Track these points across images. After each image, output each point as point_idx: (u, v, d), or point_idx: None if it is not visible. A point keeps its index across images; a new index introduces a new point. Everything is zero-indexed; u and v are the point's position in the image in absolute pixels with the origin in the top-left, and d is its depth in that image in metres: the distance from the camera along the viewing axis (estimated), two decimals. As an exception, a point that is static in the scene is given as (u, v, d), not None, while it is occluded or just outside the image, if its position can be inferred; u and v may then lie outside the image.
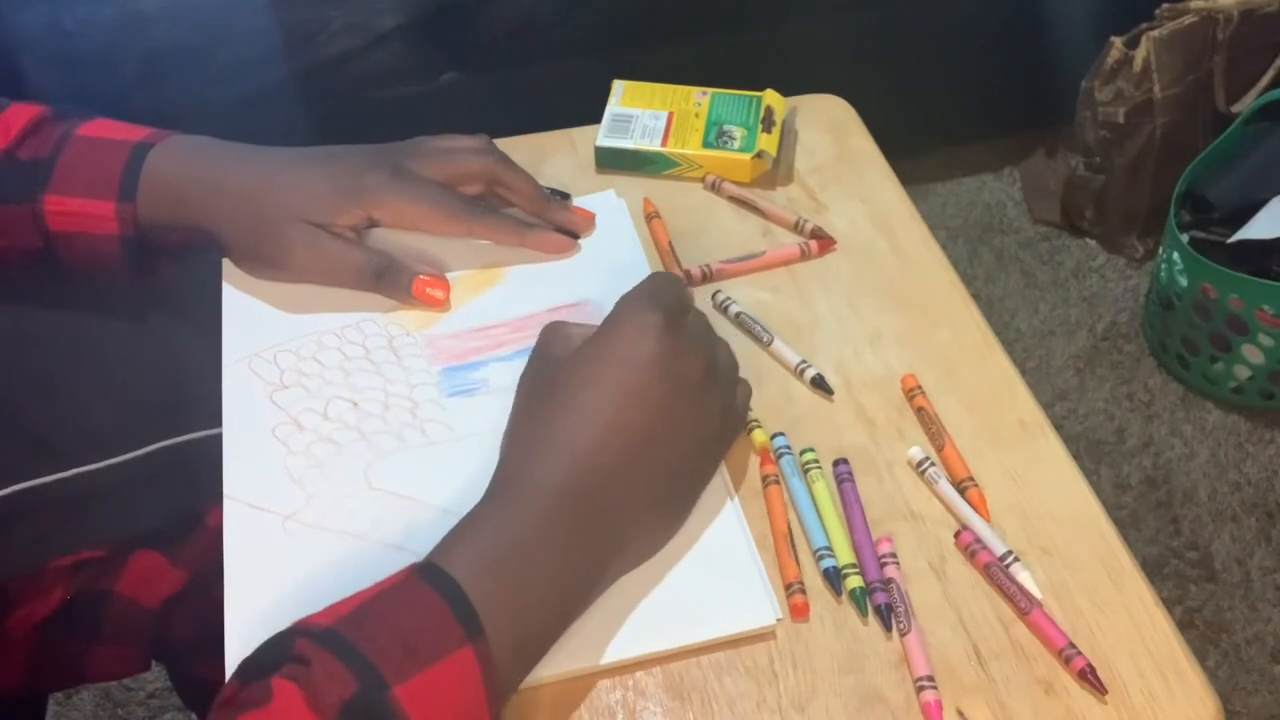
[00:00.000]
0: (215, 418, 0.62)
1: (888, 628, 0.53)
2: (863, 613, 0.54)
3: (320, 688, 0.42)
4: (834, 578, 0.55)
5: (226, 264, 0.69)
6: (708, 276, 0.70)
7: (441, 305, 0.67)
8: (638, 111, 0.79)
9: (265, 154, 0.67)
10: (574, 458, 0.50)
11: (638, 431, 0.51)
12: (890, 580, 0.54)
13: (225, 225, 0.66)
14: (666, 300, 0.53)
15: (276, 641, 0.44)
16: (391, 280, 0.66)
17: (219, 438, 0.61)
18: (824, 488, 0.58)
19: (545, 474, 0.50)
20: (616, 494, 0.51)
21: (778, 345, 0.65)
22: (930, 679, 0.51)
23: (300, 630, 0.44)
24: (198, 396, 0.65)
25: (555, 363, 0.54)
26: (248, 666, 0.44)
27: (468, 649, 0.44)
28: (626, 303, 0.54)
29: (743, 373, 0.64)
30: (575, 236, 0.71)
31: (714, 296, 0.69)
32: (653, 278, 0.55)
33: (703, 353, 0.54)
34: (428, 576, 0.46)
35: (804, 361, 0.64)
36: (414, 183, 0.67)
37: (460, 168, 0.68)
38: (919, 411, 0.62)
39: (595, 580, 0.51)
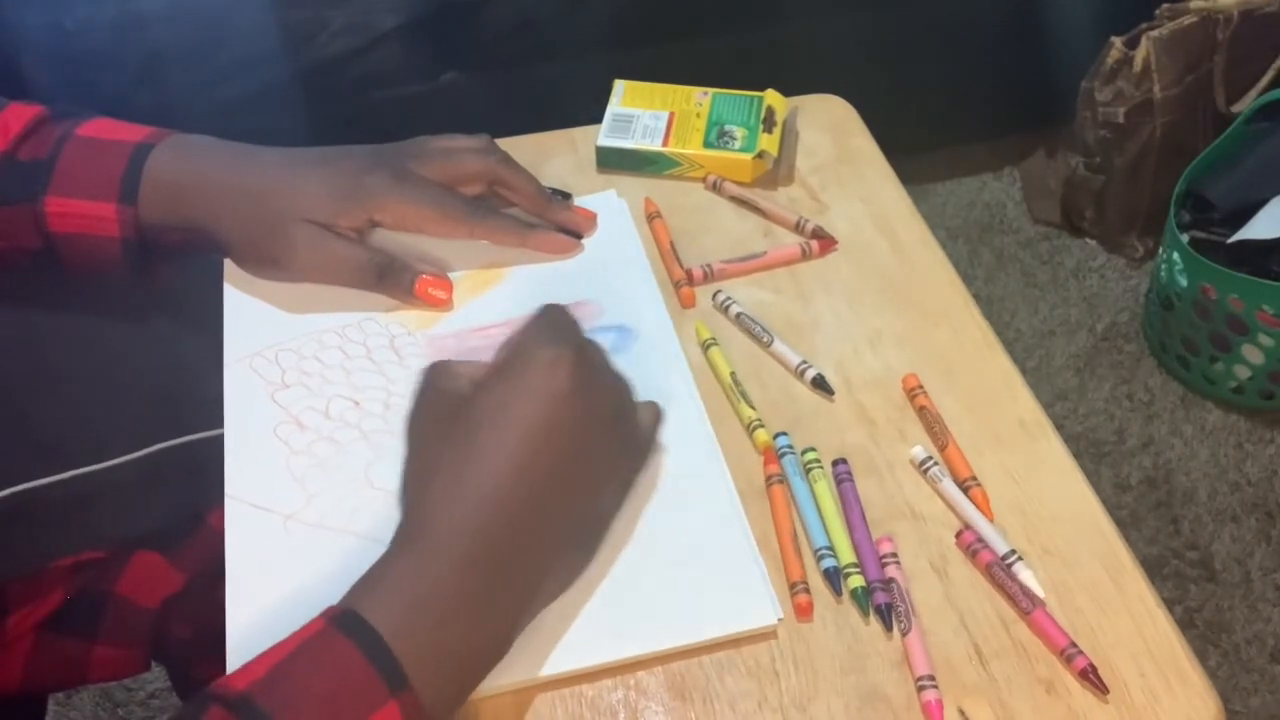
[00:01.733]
0: (216, 419, 0.62)
1: (888, 627, 0.53)
2: (864, 612, 0.54)
3: None
4: (834, 577, 0.55)
5: (228, 264, 0.69)
6: (709, 276, 0.70)
7: (444, 305, 0.67)
8: (639, 111, 0.79)
9: (267, 154, 0.67)
10: (485, 501, 0.48)
11: (553, 471, 0.49)
12: (891, 580, 0.54)
13: (227, 226, 0.65)
14: (570, 334, 0.52)
15: (191, 711, 0.43)
16: (394, 280, 0.66)
17: (219, 439, 0.61)
18: (826, 487, 0.59)
19: (457, 520, 0.48)
20: (531, 535, 0.49)
21: (778, 345, 0.65)
22: (931, 678, 0.51)
23: (215, 696, 0.43)
24: (198, 397, 0.65)
25: (453, 402, 0.51)
26: None
27: (392, 705, 0.43)
28: (529, 337, 0.51)
29: (743, 373, 0.64)
30: (578, 236, 0.71)
31: (715, 296, 0.69)
32: (549, 310, 0.53)
33: (611, 382, 0.53)
34: (347, 628, 0.45)
35: (804, 362, 0.64)
36: (415, 184, 0.66)
37: (462, 168, 0.68)
38: (921, 411, 0.62)
39: (514, 621, 0.50)
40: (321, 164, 0.66)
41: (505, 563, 0.48)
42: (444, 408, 0.51)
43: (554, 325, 0.52)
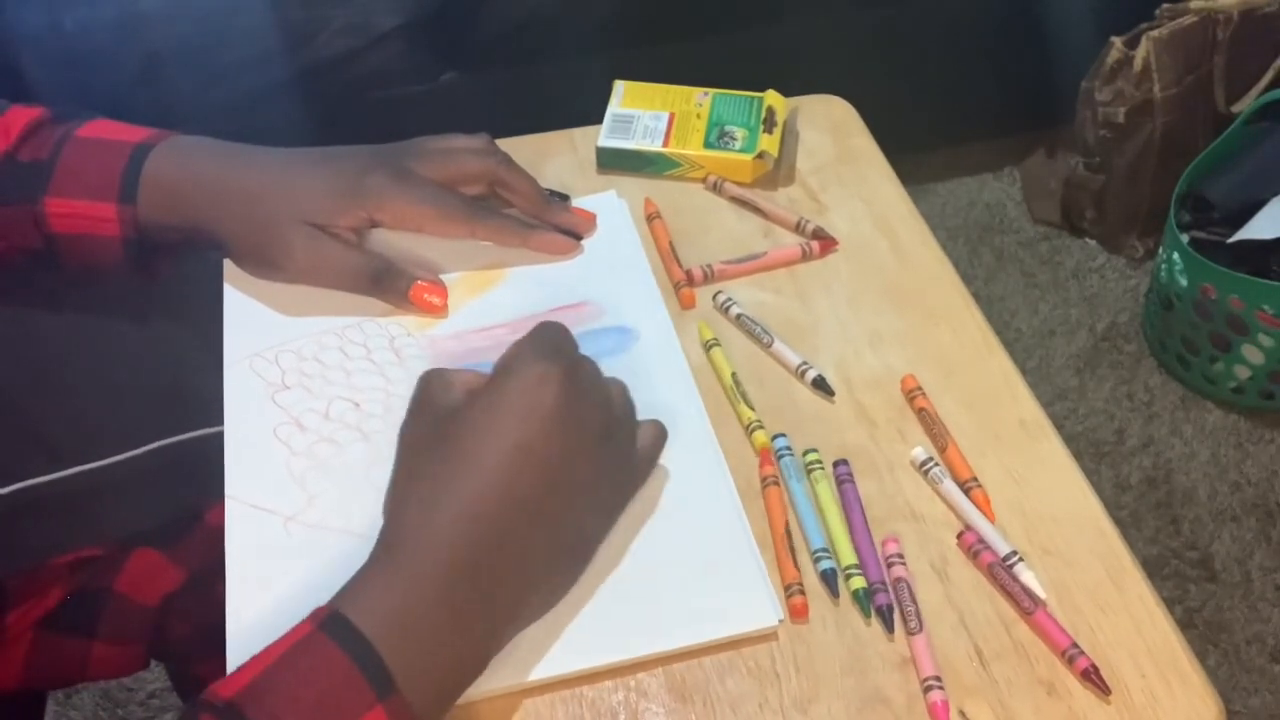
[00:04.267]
0: (214, 416, 0.62)
1: (889, 629, 0.53)
2: (865, 614, 0.54)
3: None
4: (830, 579, 0.55)
5: (228, 264, 0.69)
6: (709, 277, 0.70)
7: (439, 311, 0.67)
8: (639, 112, 0.79)
9: (266, 154, 0.66)
10: (467, 519, 0.47)
11: (535, 489, 0.48)
12: (899, 579, 0.54)
13: (226, 226, 0.65)
14: (562, 349, 0.51)
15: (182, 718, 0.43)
16: (389, 285, 0.66)
17: (218, 436, 0.61)
18: (827, 488, 0.58)
19: (438, 538, 0.47)
20: (513, 555, 0.48)
21: (778, 346, 0.65)
22: (937, 679, 0.51)
23: (205, 704, 0.43)
24: (196, 395, 0.65)
25: (444, 413, 0.50)
26: None
27: (379, 709, 0.43)
28: (520, 352, 0.50)
29: (744, 374, 0.64)
30: (577, 237, 0.71)
31: (715, 297, 0.69)
32: (544, 326, 0.53)
33: (601, 402, 0.52)
34: (333, 632, 0.45)
35: (805, 362, 0.64)
36: (415, 184, 0.66)
37: (461, 168, 0.68)
38: (920, 412, 0.62)
39: (494, 635, 0.49)
40: (320, 164, 0.66)
41: (483, 578, 0.48)
42: (434, 417, 0.51)
43: (547, 341, 0.51)
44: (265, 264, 0.67)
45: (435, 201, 0.66)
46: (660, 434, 0.57)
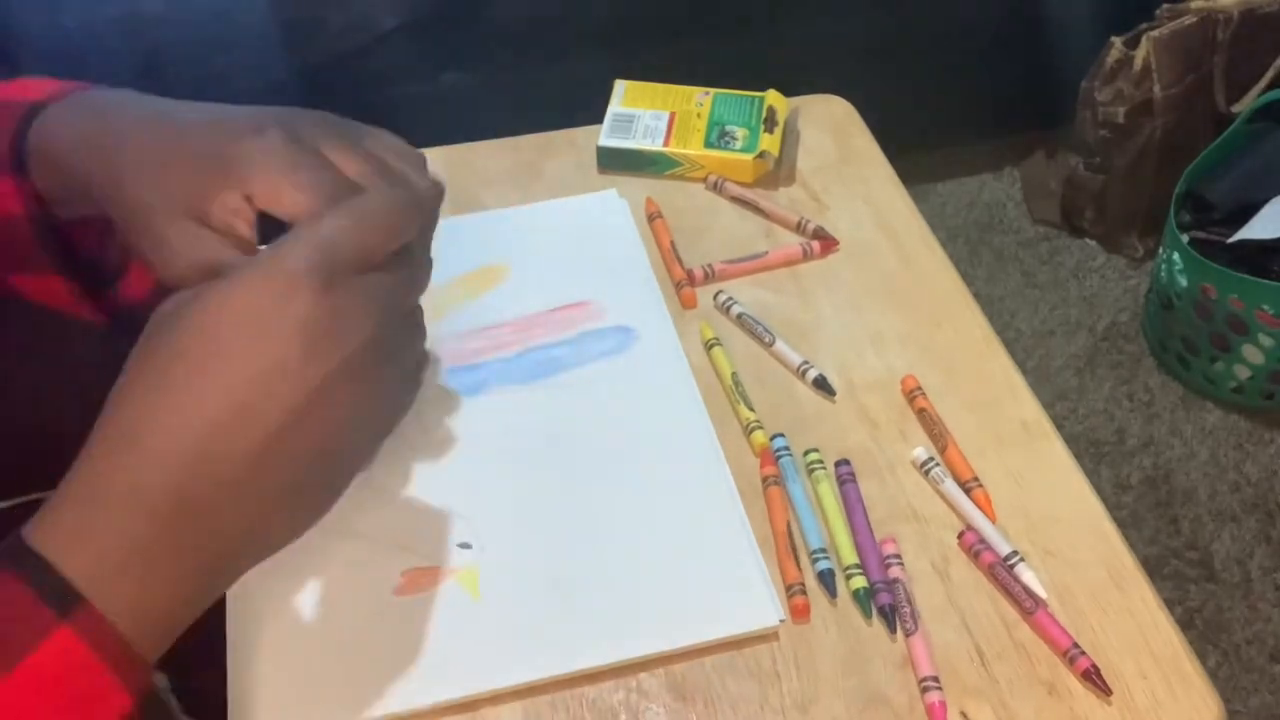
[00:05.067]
0: None
1: (891, 629, 0.53)
2: (866, 614, 0.54)
3: None
4: (829, 580, 0.55)
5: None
6: (710, 277, 0.70)
7: None
8: (639, 112, 0.79)
9: (166, 116, 0.51)
10: (185, 456, 0.39)
11: (272, 419, 0.40)
12: (895, 580, 0.54)
13: (112, 213, 0.51)
14: (336, 250, 0.41)
15: None
16: None
17: None
18: (829, 488, 0.58)
19: (149, 475, 0.39)
20: (246, 491, 0.41)
21: (780, 346, 0.65)
22: (935, 679, 0.51)
23: None
24: None
25: (180, 316, 0.41)
26: None
27: (65, 630, 0.37)
28: (280, 245, 0.41)
29: (745, 374, 0.64)
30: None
31: (716, 297, 0.69)
32: (349, 206, 0.43)
33: (370, 321, 0.42)
34: (9, 557, 0.38)
35: (806, 362, 0.64)
36: (293, 152, 0.47)
37: (370, 169, 0.48)
38: (921, 412, 0.62)
39: (219, 572, 0.42)
40: (199, 130, 0.50)
41: (207, 526, 0.40)
42: (173, 318, 0.41)
43: (322, 234, 0.42)
44: (154, 269, 0.50)
45: (310, 174, 0.46)
46: (423, 353, 0.47)
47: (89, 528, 0.39)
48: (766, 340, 0.66)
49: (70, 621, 0.37)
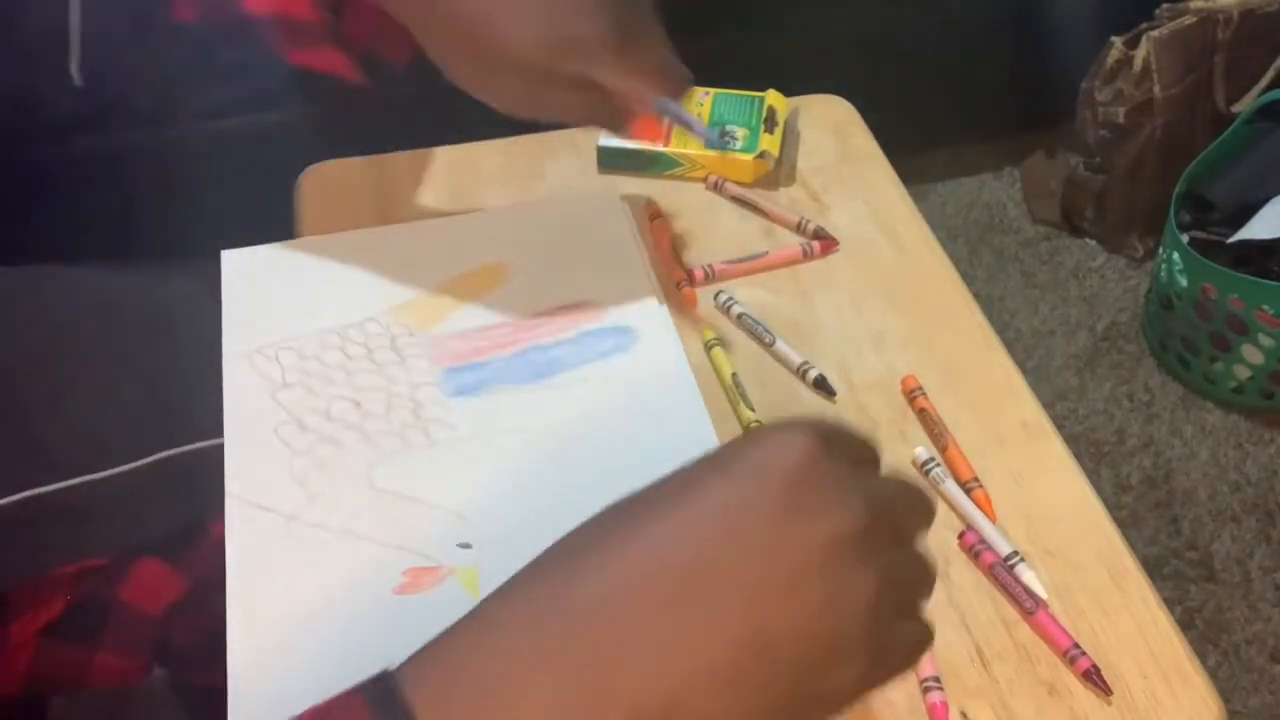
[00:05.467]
0: (219, 427, 0.62)
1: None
2: (866, 614, 0.54)
3: None
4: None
5: (226, 258, 0.69)
6: (710, 277, 0.70)
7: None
8: (640, 112, 0.79)
9: None
10: (613, 570, 0.34)
11: (727, 567, 0.34)
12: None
13: (435, 50, 0.58)
14: (829, 430, 0.37)
15: None
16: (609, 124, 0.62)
17: (222, 447, 0.61)
18: (827, 489, 0.58)
19: (566, 589, 0.35)
20: (654, 663, 0.33)
21: (780, 346, 0.65)
22: (936, 679, 0.51)
23: None
24: (201, 406, 0.65)
25: (651, 485, 0.38)
26: None
27: None
28: (771, 424, 0.39)
29: (745, 374, 0.64)
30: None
31: (716, 297, 0.69)
32: (825, 420, 0.39)
33: (869, 511, 0.36)
34: (372, 690, 0.34)
35: (806, 362, 0.64)
36: (644, 42, 0.58)
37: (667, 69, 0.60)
38: (921, 413, 0.62)
39: None
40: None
41: (609, 653, 0.34)
42: (641, 490, 0.38)
43: (815, 420, 0.38)
44: (480, 95, 0.59)
45: (664, 67, 0.59)
46: (926, 632, 0.39)
47: (463, 683, 0.34)
48: (766, 340, 0.66)
49: None
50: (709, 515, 0.35)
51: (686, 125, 0.62)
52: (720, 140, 0.73)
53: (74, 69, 0.67)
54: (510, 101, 0.59)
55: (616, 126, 0.62)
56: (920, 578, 0.39)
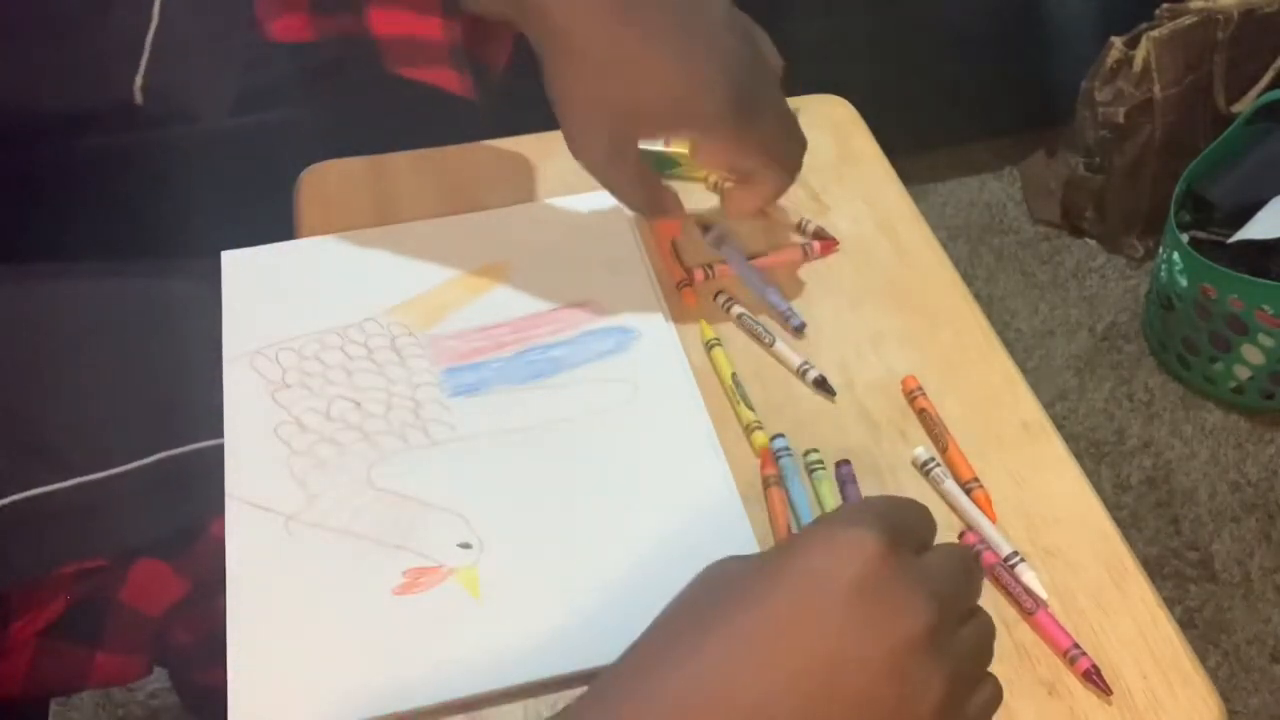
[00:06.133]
0: (219, 427, 0.62)
1: (891, 629, 0.53)
2: (866, 614, 0.54)
3: None
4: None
5: (226, 258, 0.69)
6: (710, 277, 0.70)
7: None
8: (639, 112, 0.79)
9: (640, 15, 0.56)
10: (678, 692, 0.36)
11: (795, 682, 0.35)
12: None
13: (548, 77, 0.61)
14: (895, 520, 0.38)
15: None
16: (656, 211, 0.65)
17: (222, 447, 0.61)
18: (829, 489, 0.58)
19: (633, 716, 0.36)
20: None
21: (779, 346, 0.65)
22: (934, 680, 0.51)
23: None
24: (201, 406, 0.65)
25: (725, 576, 0.40)
26: None
27: None
28: (836, 512, 0.41)
29: (745, 374, 0.64)
30: None
31: (716, 297, 0.69)
32: (888, 497, 0.41)
33: (935, 604, 0.36)
34: None
35: (806, 362, 0.64)
36: (758, 121, 0.58)
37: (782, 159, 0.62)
38: (920, 413, 0.62)
39: None
40: (667, 60, 0.56)
41: None
42: (712, 582, 0.40)
43: (879, 506, 0.39)
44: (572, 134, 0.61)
45: (775, 147, 0.60)
46: (995, 694, 0.40)
47: None
48: (766, 340, 0.66)
49: None
50: (776, 634, 0.35)
51: (741, 273, 0.67)
52: (787, 318, 0.68)
53: (137, 86, 0.67)
54: (589, 152, 0.61)
55: (651, 215, 0.66)
56: (985, 644, 0.39)
